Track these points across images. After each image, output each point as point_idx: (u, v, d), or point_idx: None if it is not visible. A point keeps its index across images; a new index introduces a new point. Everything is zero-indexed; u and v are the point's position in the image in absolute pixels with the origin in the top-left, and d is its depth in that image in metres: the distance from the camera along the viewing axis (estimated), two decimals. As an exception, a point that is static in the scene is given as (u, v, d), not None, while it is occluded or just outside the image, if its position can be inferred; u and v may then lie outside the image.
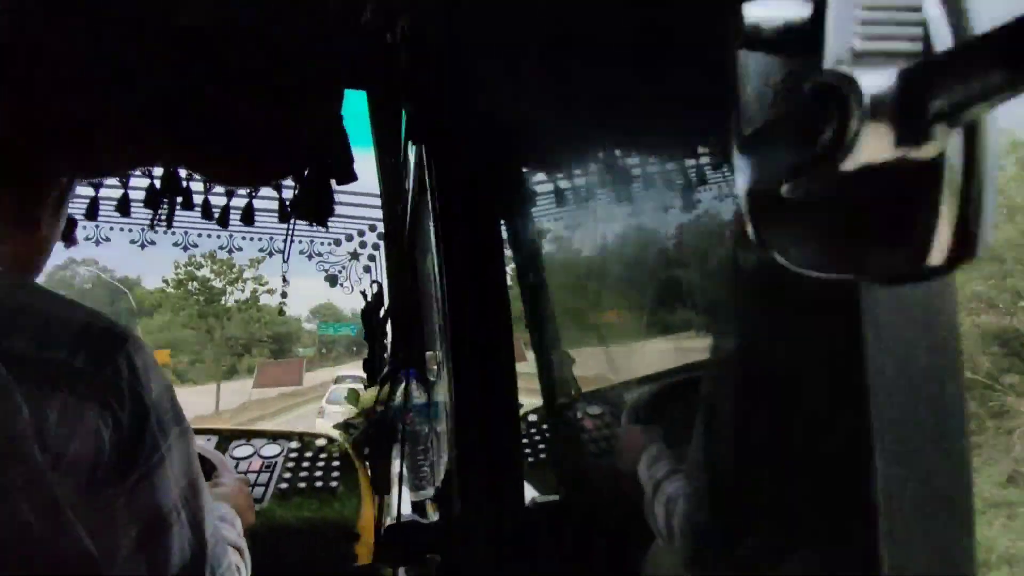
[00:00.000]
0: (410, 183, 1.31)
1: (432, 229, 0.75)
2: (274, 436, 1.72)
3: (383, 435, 1.64)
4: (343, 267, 1.88)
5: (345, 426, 1.73)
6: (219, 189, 1.72)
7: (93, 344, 0.55)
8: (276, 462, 1.63)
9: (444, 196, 0.65)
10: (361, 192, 1.85)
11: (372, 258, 1.87)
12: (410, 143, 0.77)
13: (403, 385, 1.58)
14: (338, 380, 17.82)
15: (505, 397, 0.65)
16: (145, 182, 1.63)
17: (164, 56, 1.43)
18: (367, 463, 1.67)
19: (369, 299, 1.91)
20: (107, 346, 0.56)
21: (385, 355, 1.92)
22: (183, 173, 1.67)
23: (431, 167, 0.69)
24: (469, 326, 0.64)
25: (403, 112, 0.86)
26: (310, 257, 1.88)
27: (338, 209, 1.70)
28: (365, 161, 1.83)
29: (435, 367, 1.39)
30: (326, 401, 14.06)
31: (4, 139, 0.63)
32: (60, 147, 0.73)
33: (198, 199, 1.70)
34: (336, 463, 1.63)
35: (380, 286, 1.87)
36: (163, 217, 1.57)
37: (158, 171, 1.59)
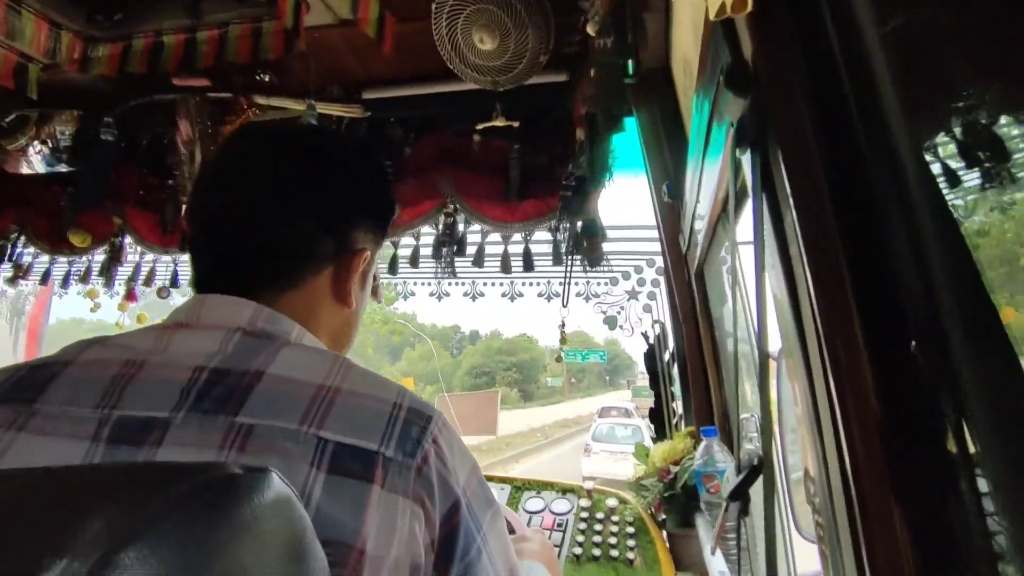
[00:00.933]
0: (699, 207, 1.10)
1: (771, 253, 0.54)
2: (563, 490, 1.63)
3: (681, 502, 1.41)
4: (621, 307, 1.75)
5: (637, 486, 1.55)
6: (496, 238, 1.77)
7: (402, 429, 0.51)
8: (568, 520, 1.53)
9: (803, 209, 0.43)
10: (635, 225, 1.71)
11: (652, 296, 1.70)
12: (731, 153, 0.57)
13: (702, 444, 1.34)
14: (603, 413, 17.61)
15: (956, 502, 0.39)
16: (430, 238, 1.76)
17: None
18: (664, 532, 1.45)
19: (651, 340, 1.73)
20: (414, 430, 0.52)
21: (673, 404, 1.71)
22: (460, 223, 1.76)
23: (772, 178, 0.48)
24: (862, 392, 0.41)
25: (718, 120, 0.66)
26: (587, 299, 1.80)
27: (612, 246, 1.59)
28: (637, 189, 1.68)
29: (748, 430, 1.13)
30: (592, 438, 13.58)
31: (322, 224, 0.64)
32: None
33: (472, 248, 1.77)
34: (630, 529, 1.46)
35: (663, 326, 1.68)
36: (448, 265, 1.66)
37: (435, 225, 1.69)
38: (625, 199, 1.52)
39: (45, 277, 2.31)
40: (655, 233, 1.65)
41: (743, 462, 0.66)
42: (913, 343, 0.40)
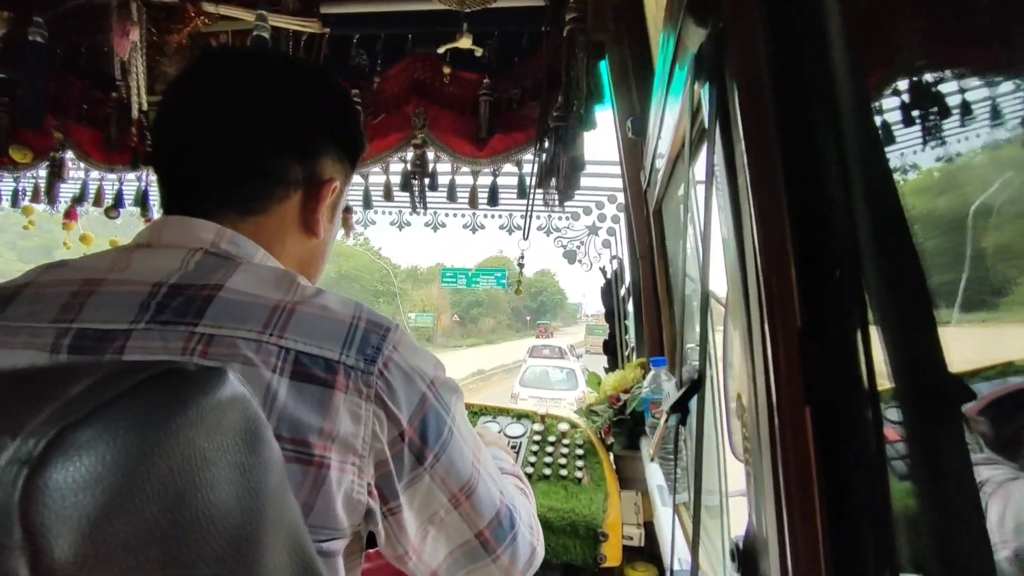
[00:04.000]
0: (660, 145, 1.11)
1: (720, 192, 0.56)
2: (518, 416, 1.71)
3: (629, 426, 1.50)
4: (581, 242, 1.78)
5: (587, 412, 1.64)
6: (465, 170, 1.75)
7: (361, 338, 0.54)
8: (521, 442, 1.61)
9: (755, 149, 0.45)
10: (600, 160, 1.71)
11: (611, 232, 1.73)
12: (689, 87, 0.58)
13: (651, 374, 1.42)
14: (533, 352, 15.77)
15: (863, 419, 0.44)
16: (399, 168, 1.73)
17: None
18: (611, 455, 1.55)
19: (608, 276, 1.78)
20: (373, 338, 0.55)
21: (627, 337, 1.78)
22: (430, 156, 1.73)
23: (728, 110, 0.50)
24: (789, 315, 0.45)
25: (677, 52, 0.67)
26: (548, 233, 1.82)
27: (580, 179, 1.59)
28: (603, 123, 1.67)
29: (692, 359, 1.19)
30: (520, 383, 11.69)
31: (289, 150, 0.64)
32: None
33: (443, 180, 1.76)
34: (580, 451, 1.55)
35: (621, 262, 1.72)
36: (419, 199, 1.64)
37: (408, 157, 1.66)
38: (590, 134, 1.51)
39: None
40: (618, 169, 1.67)
41: (683, 379, 0.71)
42: (837, 271, 0.44)
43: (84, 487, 0.23)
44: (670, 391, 1.36)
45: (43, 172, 1.97)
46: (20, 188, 2.10)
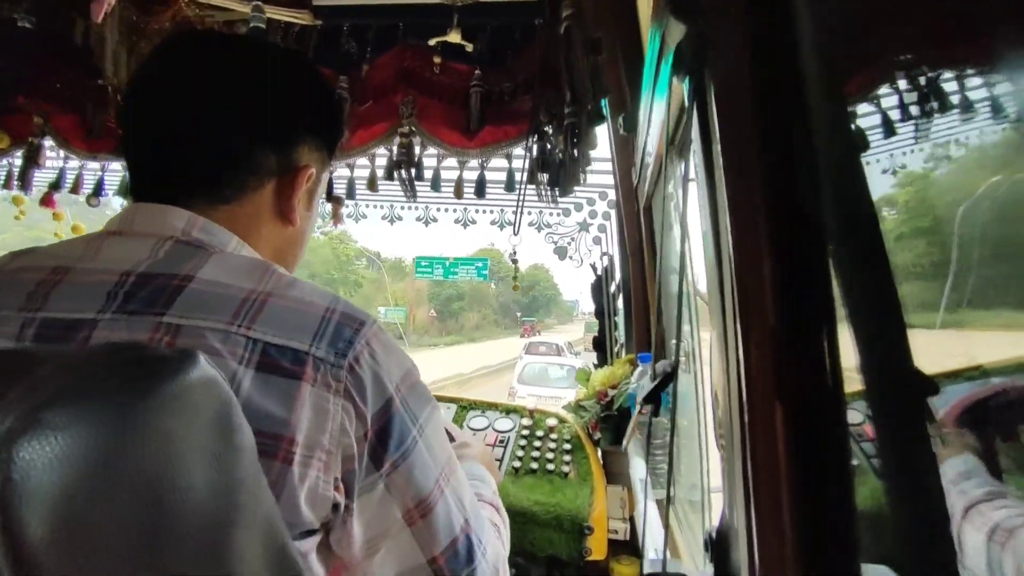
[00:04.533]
0: (649, 142, 1.12)
1: (700, 189, 0.57)
2: (506, 410, 1.72)
3: (616, 422, 1.51)
4: (572, 238, 1.78)
5: (576, 407, 1.64)
6: (451, 163, 1.75)
7: (333, 331, 0.53)
8: (509, 437, 1.62)
9: (730, 146, 0.45)
10: (591, 157, 1.71)
11: (603, 228, 1.73)
12: (671, 83, 0.58)
13: (638, 370, 1.42)
14: (530, 349, 15.71)
15: (831, 414, 0.45)
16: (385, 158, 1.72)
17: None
18: (599, 450, 1.56)
19: (599, 272, 1.78)
20: (346, 332, 0.54)
21: (616, 333, 1.79)
22: (417, 146, 1.72)
23: (706, 106, 0.50)
24: (762, 313, 0.45)
25: (661, 42, 0.67)
26: (539, 229, 1.82)
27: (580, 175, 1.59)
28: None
29: (683, 357, 1.20)
30: (518, 380, 11.27)
31: (262, 138, 0.63)
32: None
33: (428, 173, 1.75)
34: (567, 446, 1.56)
35: (611, 259, 1.73)
36: (408, 189, 1.64)
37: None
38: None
39: None
40: (609, 166, 1.67)
41: (657, 372, 0.72)
42: (811, 270, 0.45)
43: (56, 466, 0.23)
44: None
45: (17, 160, 1.94)
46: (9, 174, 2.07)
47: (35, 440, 0.22)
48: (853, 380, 0.46)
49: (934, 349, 0.52)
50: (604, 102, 1.23)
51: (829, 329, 0.45)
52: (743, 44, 0.44)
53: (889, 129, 0.48)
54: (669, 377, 0.60)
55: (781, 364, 0.45)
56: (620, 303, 1.71)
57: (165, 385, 0.28)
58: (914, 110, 0.47)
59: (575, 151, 1.25)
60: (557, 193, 1.39)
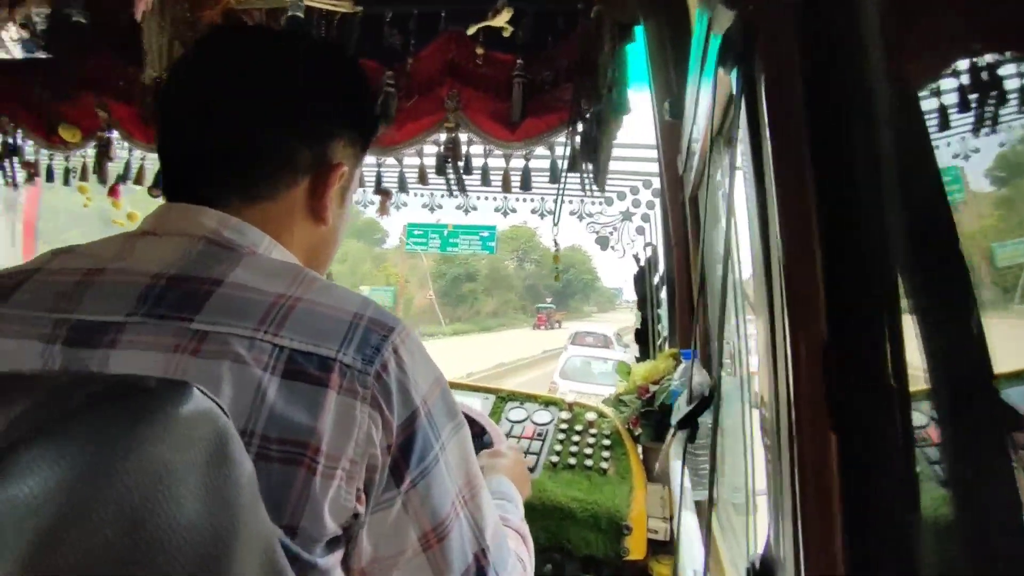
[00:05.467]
0: (696, 129, 1.06)
1: (749, 184, 0.52)
2: (545, 403, 1.70)
3: (657, 418, 1.47)
4: (615, 228, 1.73)
5: (616, 401, 1.61)
6: (497, 153, 1.72)
7: (361, 336, 0.52)
8: (548, 430, 1.59)
9: (781, 142, 0.41)
10: (636, 144, 1.65)
11: (646, 218, 1.68)
12: (717, 70, 0.54)
13: (680, 367, 1.38)
14: (576, 339, 14.63)
15: (891, 436, 0.41)
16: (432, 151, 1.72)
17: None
18: (639, 447, 1.52)
19: (642, 263, 1.73)
20: (374, 338, 0.52)
21: (659, 326, 1.74)
22: (463, 138, 1.71)
23: (755, 99, 0.46)
24: (813, 318, 0.41)
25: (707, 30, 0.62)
26: (580, 218, 1.78)
27: (610, 164, 1.55)
28: (640, 104, 1.61)
29: (728, 359, 1.15)
30: (559, 375, 10.44)
31: (295, 135, 0.62)
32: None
33: (476, 163, 1.73)
34: (606, 441, 1.53)
35: (655, 249, 1.67)
36: (455, 184, 1.62)
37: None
38: (627, 116, 1.46)
39: (48, 174, 2.27)
40: (654, 153, 1.61)
41: (694, 392, 0.68)
42: (869, 273, 0.40)
43: (26, 513, 0.22)
44: (701, 387, 1.32)
45: (91, 151, 2.03)
46: (71, 167, 2.17)
47: (6, 486, 0.21)
48: (916, 381, 0.42)
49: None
50: (625, 92, 1.17)
51: (890, 333, 0.41)
52: (794, 32, 0.40)
53: (952, 115, 0.43)
54: (706, 402, 0.56)
55: (833, 375, 0.41)
56: (664, 295, 1.66)
57: (152, 421, 0.27)
58: (977, 97, 0.42)
59: (599, 141, 1.21)
60: (592, 183, 1.34)
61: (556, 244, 1.56)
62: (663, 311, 1.69)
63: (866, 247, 0.41)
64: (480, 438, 1.26)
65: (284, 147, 0.62)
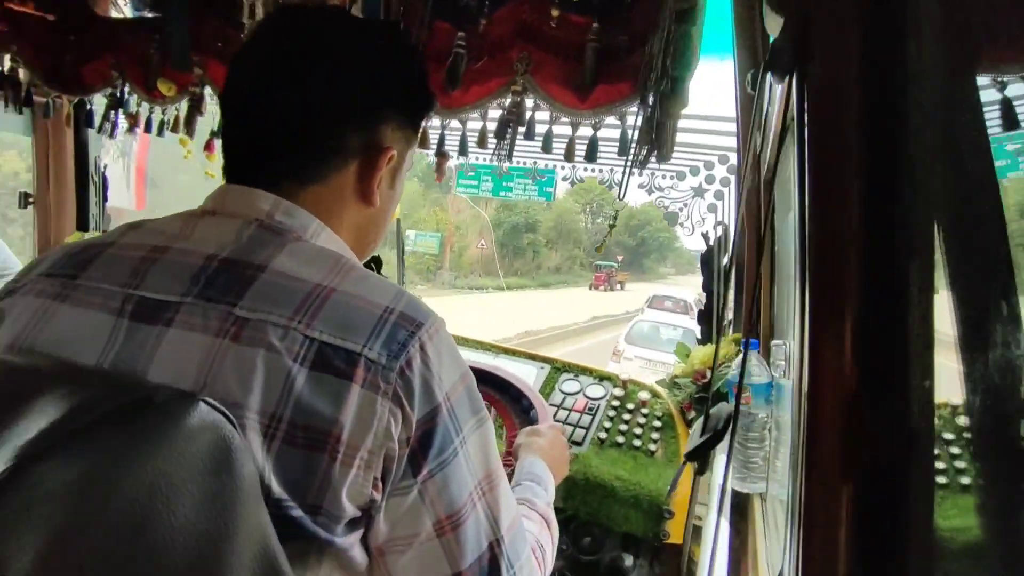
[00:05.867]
0: (772, 110, 0.98)
1: (797, 182, 0.49)
2: (600, 377, 1.69)
3: (711, 405, 1.42)
4: (685, 204, 1.65)
5: (671, 383, 1.58)
6: (565, 120, 1.67)
7: (389, 332, 0.53)
8: (599, 405, 1.59)
9: (821, 168, 0.37)
10: (713, 116, 1.55)
11: (719, 195, 1.59)
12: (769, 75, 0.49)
13: (741, 356, 1.32)
14: (653, 303, 13.94)
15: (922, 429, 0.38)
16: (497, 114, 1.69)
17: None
18: (690, 431, 1.49)
19: (711, 242, 1.65)
20: (401, 334, 0.54)
21: (724, 310, 1.67)
22: (528, 103, 1.67)
23: (802, 100, 0.42)
24: (839, 365, 0.38)
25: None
26: (650, 191, 1.71)
27: (683, 136, 1.47)
28: (723, 74, 1.51)
29: (782, 360, 1.09)
30: (626, 339, 10.12)
31: (345, 120, 0.63)
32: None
33: (541, 129, 1.69)
34: (657, 423, 1.51)
35: (726, 230, 1.59)
36: (505, 150, 1.60)
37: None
38: (707, 85, 1.37)
39: (148, 125, 2.45)
40: (733, 127, 1.51)
41: (711, 422, 0.65)
42: (907, 313, 0.36)
43: (37, 520, 0.25)
44: (760, 379, 1.27)
45: (184, 105, 2.16)
46: (166, 119, 2.33)
47: (20, 495, 0.24)
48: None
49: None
50: (683, 82, 1.09)
51: (919, 361, 0.37)
52: (841, 43, 0.35)
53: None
54: (719, 435, 0.54)
55: (853, 422, 0.38)
56: (732, 278, 1.58)
57: (160, 434, 0.29)
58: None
59: (661, 123, 1.14)
60: (655, 158, 1.28)
61: (613, 219, 1.51)
62: (730, 295, 1.62)
63: (906, 272, 0.37)
64: (527, 413, 1.28)
65: (333, 132, 0.64)
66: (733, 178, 1.53)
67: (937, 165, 0.34)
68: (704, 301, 1.79)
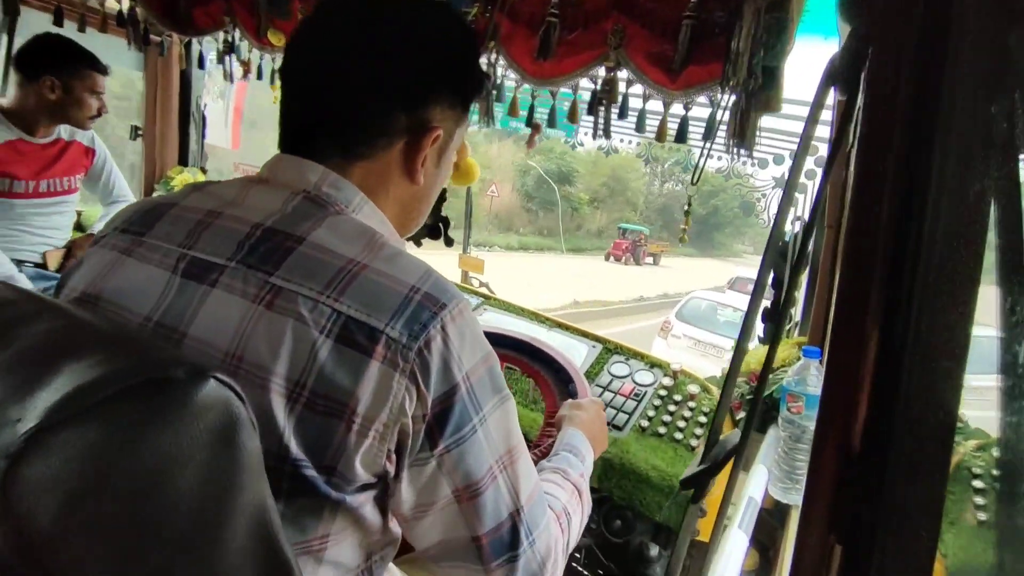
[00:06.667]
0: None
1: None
2: (651, 363, 1.66)
3: (763, 409, 1.37)
4: (763, 194, 1.56)
5: (724, 380, 1.52)
6: (658, 98, 1.60)
7: (412, 312, 0.55)
8: (647, 392, 1.57)
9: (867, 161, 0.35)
10: (803, 102, 1.43)
11: (801, 189, 1.48)
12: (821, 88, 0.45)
13: (800, 364, 1.26)
14: (736, 283, 12.70)
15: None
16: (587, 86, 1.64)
17: None
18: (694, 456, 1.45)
19: (786, 238, 1.55)
20: (424, 314, 0.55)
21: (792, 310, 1.58)
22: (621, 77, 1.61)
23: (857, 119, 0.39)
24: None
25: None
26: (728, 177, 1.62)
27: (770, 122, 1.37)
28: (822, 57, 1.39)
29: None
30: (676, 315, 9.38)
31: (393, 99, 0.64)
32: None
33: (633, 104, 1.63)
34: (703, 418, 1.47)
35: (805, 225, 1.49)
36: (602, 126, 1.56)
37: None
38: (806, 67, 1.28)
39: (260, 73, 2.57)
40: (827, 116, 1.39)
41: (715, 450, 0.62)
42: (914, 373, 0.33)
43: (52, 483, 0.28)
44: (815, 391, 1.21)
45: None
46: (275, 68, 2.42)
47: (38, 461, 0.28)
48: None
49: None
50: (775, 79, 1.00)
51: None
52: (902, 58, 0.32)
53: None
54: (716, 468, 0.52)
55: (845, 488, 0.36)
56: (804, 278, 1.49)
57: (169, 411, 0.32)
58: None
59: (744, 108, 1.06)
60: (737, 146, 1.21)
61: (688, 205, 1.45)
62: (800, 295, 1.53)
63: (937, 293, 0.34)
64: (566, 385, 1.28)
65: (381, 111, 0.65)
66: (820, 171, 1.42)
67: (977, 183, 0.31)
68: (771, 300, 1.70)
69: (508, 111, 1.80)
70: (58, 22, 2.09)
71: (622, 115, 1.63)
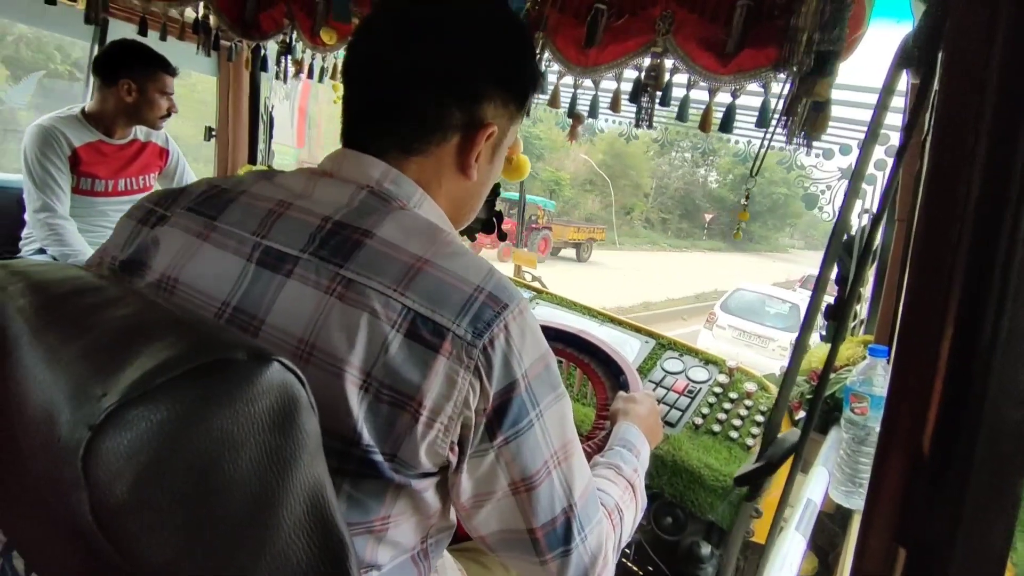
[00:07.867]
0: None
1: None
2: (706, 360, 1.63)
3: (824, 409, 1.32)
4: (828, 187, 1.49)
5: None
6: (703, 86, 1.56)
7: (476, 311, 0.57)
8: (700, 389, 1.54)
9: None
10: (871, 88, 1.36)
11: (871, 180, 1.41)
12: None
13: (865, 363, 1.20)
14: (807, 282, 11.86)
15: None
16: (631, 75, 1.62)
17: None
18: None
19: (853, 232, 1.48)
20: (488, 314, 0.57)
21: (858, 306, 1.51)
22: (668, 65, 1.58)
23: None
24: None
25: None
26: (789, 169, 1.56)
27: (837, 111, 1.31)
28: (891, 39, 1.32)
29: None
30: (721, 307, 9.24)
31: (448, 96, 0.65)
32: None
33: (678, 92, 1.60)
34: (759, 417, 1.43)
35: (874, 219, 1.41)
36: (646, 115, 1.54)
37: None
38: (873, 52, 1.22)
39: (311, 71, 2.67)
40: (900, 102, 1.31)
41: (772, 448, 0.59)
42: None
43: (127, 455, 0.31)
44: (882, 392, 1.15)
45: (342, 53, 2.31)
46: (325, 66, 2.50)
47: (116, 434, 0.30)
48: None
49: None
50: (837, 48, 0.95)
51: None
52: (978, 41, 0.30)
53: None
54: (772, 467, 0.50)
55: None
56: (871, 274, 1.42)
57: (234, 392, 0.34)
58: None
59: (802, 94, 1.02)
60: (800, 139, 1.16)
61: (746, 198, 1.40)
62: (867, 291, 1.46)
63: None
64: (617, 378, 1.28)
65: (436, 107, 0.66)
66: (891, 161, 1.35)
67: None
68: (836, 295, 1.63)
69: (549, 102, 1.80)
70: (143, 32, 2.22)
71: (664, 102, 1.59)
